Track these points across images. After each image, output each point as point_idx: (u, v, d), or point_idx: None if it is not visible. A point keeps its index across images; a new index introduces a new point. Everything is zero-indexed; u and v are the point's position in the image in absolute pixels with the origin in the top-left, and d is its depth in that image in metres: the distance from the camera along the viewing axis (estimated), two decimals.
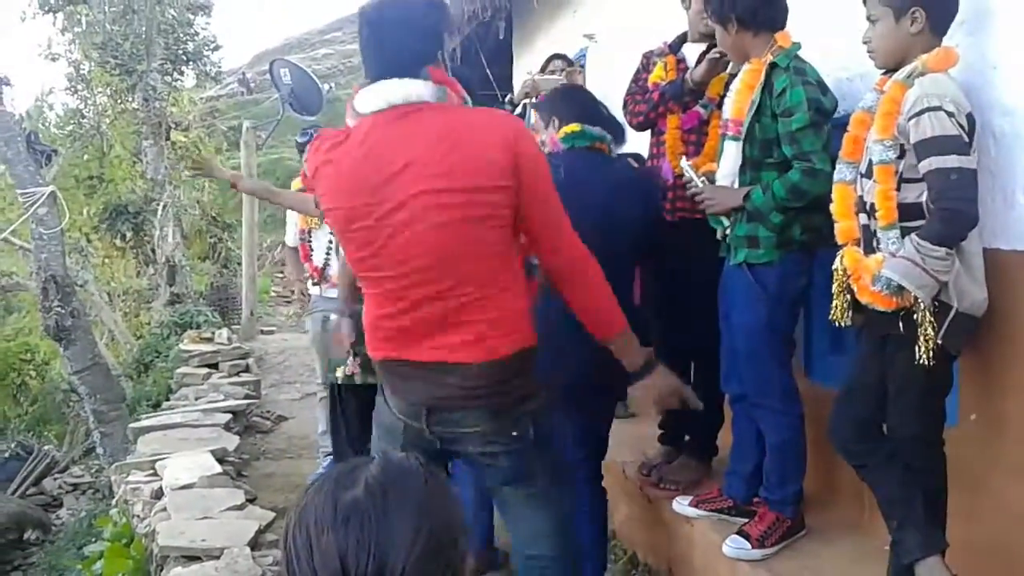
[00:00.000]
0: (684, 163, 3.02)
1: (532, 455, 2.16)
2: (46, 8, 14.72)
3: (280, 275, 14.93)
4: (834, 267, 2.35)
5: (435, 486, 1.13)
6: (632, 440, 3.79)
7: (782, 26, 2.73)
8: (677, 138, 3.32)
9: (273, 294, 14.44)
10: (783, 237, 2.70)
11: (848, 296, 2.30)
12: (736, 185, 2.81)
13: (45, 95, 16.03)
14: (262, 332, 9.74)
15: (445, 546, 1.07)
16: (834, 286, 2.34)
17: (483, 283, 2.02)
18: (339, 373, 3.91)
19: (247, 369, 7.68)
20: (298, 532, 1.05)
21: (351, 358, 3.83)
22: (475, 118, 2.08)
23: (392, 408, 2.21)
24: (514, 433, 2.13)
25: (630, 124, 3.37)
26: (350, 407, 4.03)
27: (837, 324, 2.36)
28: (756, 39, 2.72)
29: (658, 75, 3.43)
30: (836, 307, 2.34)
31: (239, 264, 13.22)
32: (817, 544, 2.82)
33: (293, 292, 4.52)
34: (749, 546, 2.73)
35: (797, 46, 2.71)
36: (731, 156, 2.81)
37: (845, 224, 2.33)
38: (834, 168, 2.53)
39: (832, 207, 2.38)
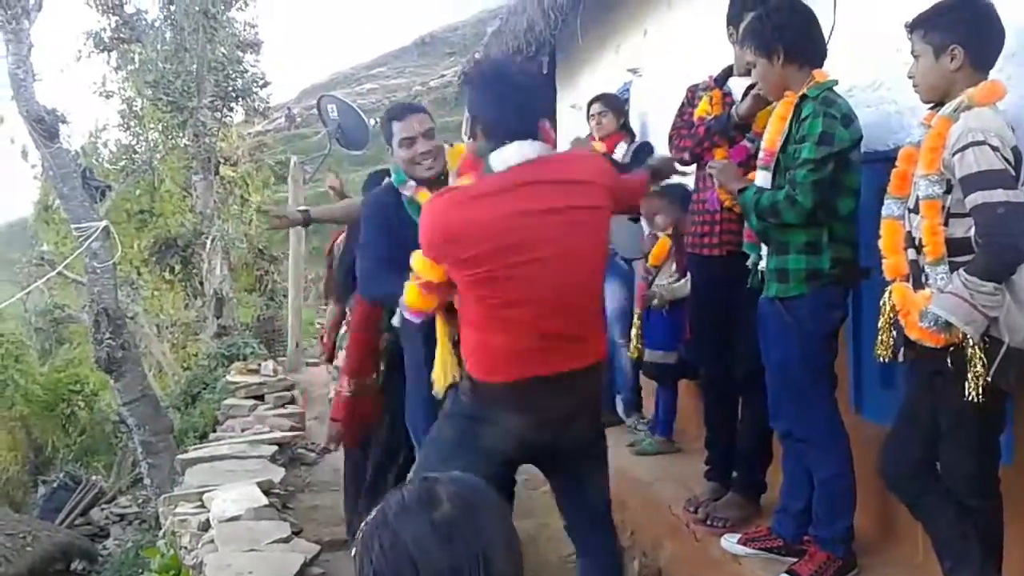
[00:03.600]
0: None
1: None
2: (100, 47, 15.21)
3: (325, 307, 15.05)
4: (882, 303, 2.32)
5: (498, 501, 1.20)
6: (678, 476, 3.75)
7: (820, 64, 2.76)
8: None
9: (318, 326, 14.58)
10: (811, 270, 2.69)
11: (895, 332, 2.28)
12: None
13: (99, 131, 16.45)
14: (307, 364, 9.82)
15: (517, 543, 1.15)
16: (880, 322, 2.32)
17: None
18: None
19: (292, 401, 7.74)
20: (395, 558, 1.09)
21: None
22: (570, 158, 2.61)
23: (511, 428, 2.33)
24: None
25: (675, 159, 3.37)
26: None
27: (882, 360, 2.33)
28: (799, 72, 2.74)
29: (703, 109, 3.43)
30: (881, 343, 2.31)
31: (284, 296, 13.40)
32: None
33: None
34: None
35: (833, 81, 2.73)
36: (763, 185, 2.83)
37: (893, 260, 2.31)
38: (857, 197, 2.64)
39: (880, 243, 2.36)
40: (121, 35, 15.11)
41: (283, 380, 8.13)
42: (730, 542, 3.02)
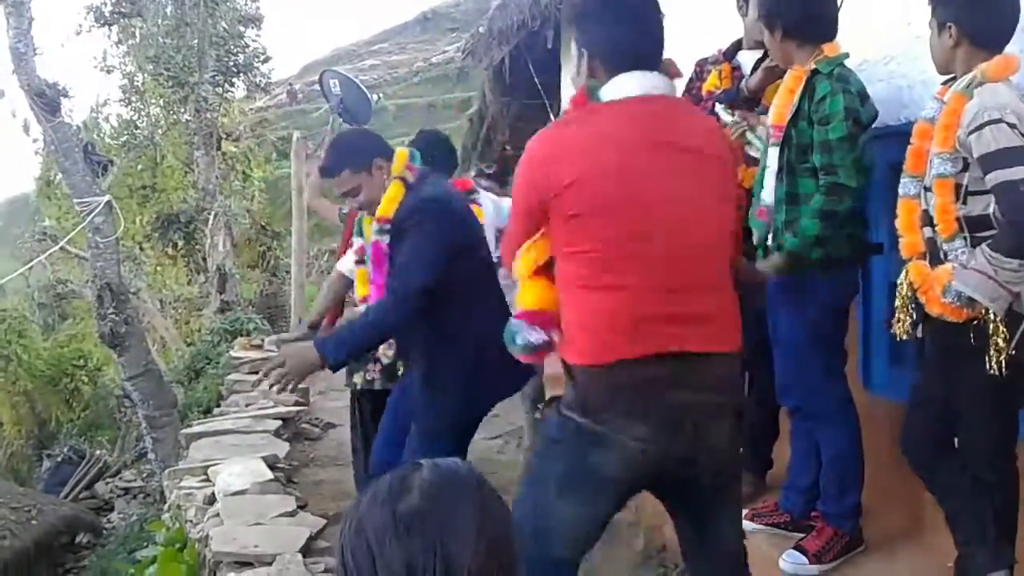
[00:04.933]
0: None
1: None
2: (101, 21, 15.11)
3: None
4: (899, 282, 2.31)
5: (486, 489, 1.13)
6: None
7: (830, 39, 2.70)
8: (733, 145, 3.29)
9: None
10: (825, 249, 2.66)
11: (912, 310, 2.27)
12: (772, 190, 2.80)
13: (100, 106, 16.38)
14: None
15: (503, 544, 1.08)
16: (897, 301, 2.31)
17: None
18: (356, 379, 4.05)
19: None
20: (358, 545, 1.05)
21: (373, 364, 3.97)
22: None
23: (635, 437, 1.88)
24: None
25: None
26: (367, 411, 4.16)
27: (899, 338, 2.32)
28: (800, 50, 2.70)
29: (712, 83, 3.40)
30: (898, 322, 2.30)
31: (287, 272, 13.39)
32: (876, 560, 2.76)
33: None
34: (807, 561, 2.68)
35: (844, 55, 2.68)
36: (773, 162, 2.80)
37: (910, 238, 2.30)
38: (863, 182, 2.57)
39: (897, 221, 2.35)
40: (122, 9, 15.00)
41: None
42: None
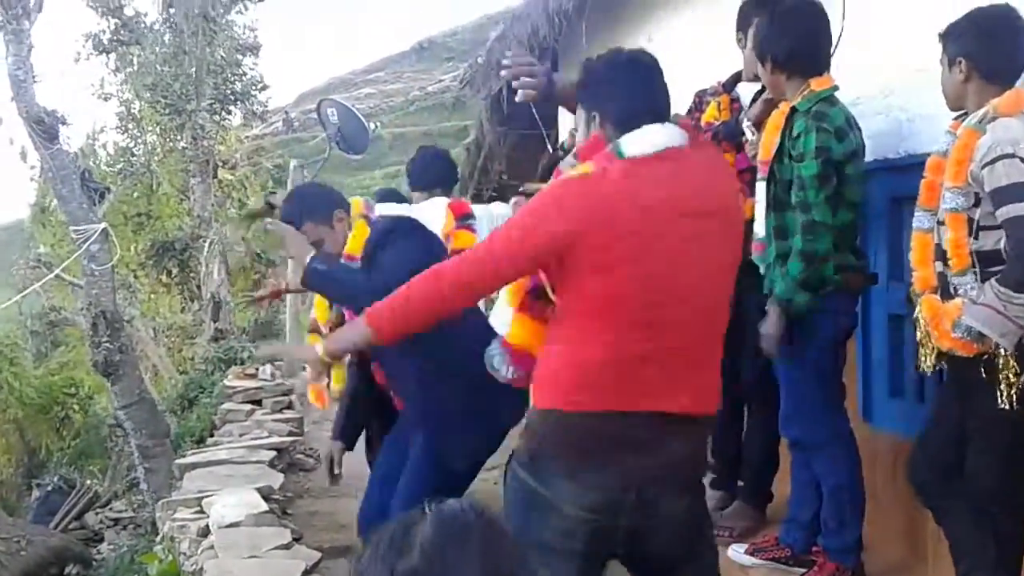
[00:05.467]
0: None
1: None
2: (100, 49, 15.18)
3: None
4: (915, 316, 2.33)
5: (493, 535, 1.08)
6: None
7: (820, 72, 2.70)
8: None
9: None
10: (813, 295, 2.65)
11: (931, 344, 2.28)
12: (763, 227, 2.81)
13: (96, 133, 16.41)
14: (303, 369, 9.79)
15: None
16: (918, 335, 2.33)
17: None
18: None
19: (290, 406, 7.69)
20: None
21: None
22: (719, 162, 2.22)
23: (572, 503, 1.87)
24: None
25: None
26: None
27: (924, 371, 2.33)
28: (789, 82, 2.72)
29: (711, 115, 3.42)
30: (923, 356, 2.31)
31: (281, 301, 13.35)
32: None
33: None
34: None
35: (830, 90, 2.68)
36: (761, 197, 2.81)
37: (922, 272, 2.32)
38: (846, 218, 2.61)
39: (910, 255, 2.37)
40: (120, 37, 15.10)
41: (281, 385, 8.08)
42: (737, 552, 3.00)
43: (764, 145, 2.75)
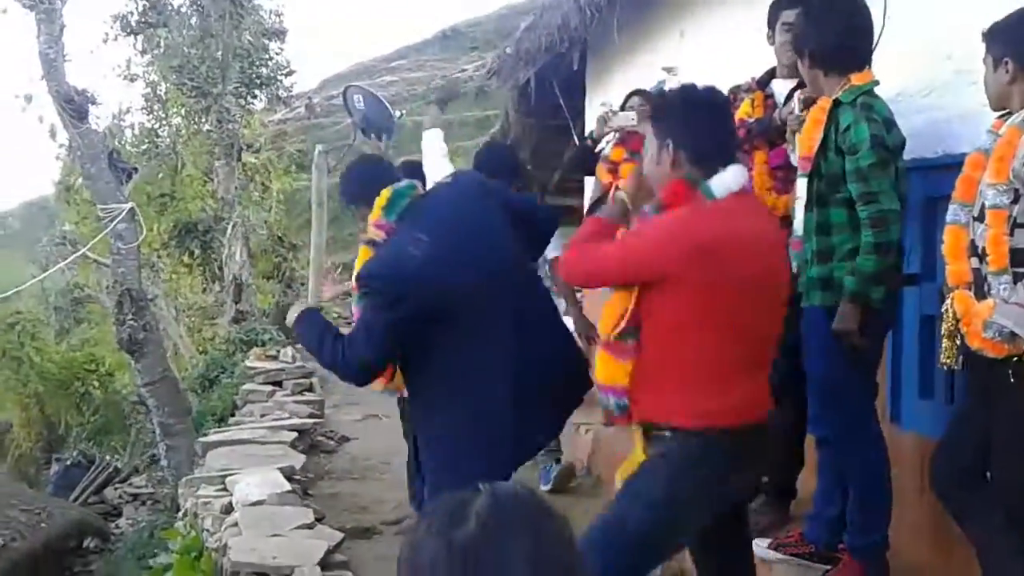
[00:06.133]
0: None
1: None
2: (127, 30, 15.23)
3: (343, 297, 15.09)
4: (944, 309, 2.31)
5: (546, 514, 1.09)
6: None
7: (859, 68, 2.69)
8: (764, 173, 3.30)
9: (335, 315, 14.61)
10: (885, 285, 2.64)
11: (958, 340, 2.26)
12: (803, 221, 2.80)
13: (122, 114, 16.49)
14: None
15: (563, 573, 1.04)
16: (943, 329, 2.30)
17: None
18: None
19: (310, 388, 7.77)
20: (410, 569, 1.03)
21: None
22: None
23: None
24: None
25: None
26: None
27: (946, 368, 2.32)
28: (827, 78, 2.71)
29: (745, 111, 3.41)
30: (945, 351, 2.30)
31: (302, 284, 13.41)
32: None
33: None
34: None
35: (871, 84, 2.68)
36: (802, 193, 2.80)
37: (956, 267, 2.29)
38: (903, 205, 2.57)
39: (943, 248, 2.35)
40: (148, 19, 15.12)
41: (301, 367, 8.17)
42: (761, 547, 2.99)
43: (805, 141, 2.74)
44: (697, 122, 2.30)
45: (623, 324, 2.30)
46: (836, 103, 2.65)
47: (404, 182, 2.85)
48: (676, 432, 2.23)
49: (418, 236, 2.67)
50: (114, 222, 7.49)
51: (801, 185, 2.78)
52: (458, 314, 2.67)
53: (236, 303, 11.76)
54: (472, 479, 2.76)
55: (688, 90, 2.38)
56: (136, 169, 9.24)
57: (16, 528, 8.84)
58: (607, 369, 2.38)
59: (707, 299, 2.19)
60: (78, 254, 9.34)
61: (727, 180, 2.26)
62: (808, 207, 2.75)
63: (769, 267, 2.30)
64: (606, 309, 2.39)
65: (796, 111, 3.02)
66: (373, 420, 6.93)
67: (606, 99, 6.74)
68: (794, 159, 3.00)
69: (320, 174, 10.79)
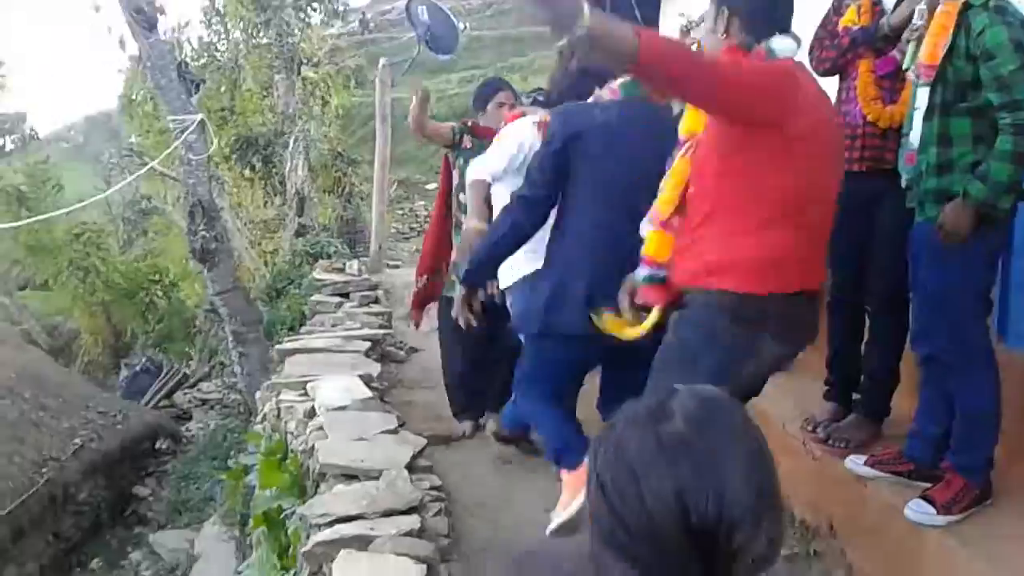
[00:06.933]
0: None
1: None
2: None
3: (400, 211, 15.18)
4: None
5: (743, 412, 1.07)
6: (791, 395, 3.70)
7: None
8: (869, 83, 3.17)
9: (393, 230, 14.70)
10: (1015, 196, 2.54)
11: None
12: (920, 131, 2.68)
13: (182, 28, 16.45)
14: (388, 266, 9.93)
15: (770, 481, 1.01)
16: None
17: None
18: None
19: (376, 300, 7.84)
20: (619, 470, 1.00)
21: None
22: None
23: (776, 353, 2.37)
24: None
25: (815, 70, 3.22)
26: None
27: None
28: None
29: (850, 19, 3.27)
30: None
31: (361, 199, 13.46)
32: (1006, 514, 2.70)
33: None
34: (934, 512, 2.63)
35: None
36: (923, 102, 2.68)
37: None
38: None
39: None
40: None
41: (367, 280, 8.24)
42: (857, 463, 2.97)
43: (930, 47, 2.61)
44: None
45: (680, 200, 2.41)
46: (966, 6, 2.52)
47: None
48: (729, 295, 2.24)
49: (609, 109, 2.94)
50: (185, 133, 7.53)
51: (922, 94, 2.67)
52: (587, 179, 2.91)
53: (299, 216, 11.85)
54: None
55: None
56: (204, 81, 9.24)
57: (94, 429, 9.21)
58: (659, 244, 2.48)
59: (791, 148, 2.20)
60: (148, 166, 9.43)
61: (787, 42, 2.29)
62: (927, 116, 2.65)
63: (835, 133, 2.39)
64: (667, 187, 2.45)
65: (916, 18, 2.88)
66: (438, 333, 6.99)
67: (684, 11, 6.55)
68: (910, 68, 2.87)
69: (384, 88, 10.68)
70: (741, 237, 2.23)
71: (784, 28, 2.31)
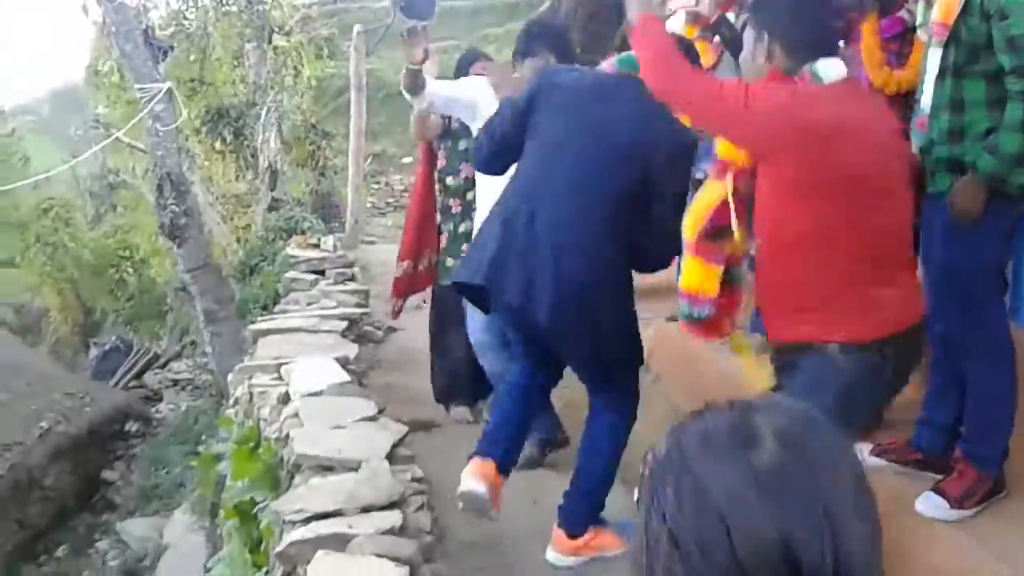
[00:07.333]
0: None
1: None
2: None
3: (376, 185, 14.91)
4: None
5: (834, 426, 0.86)
6: None
7: None
8: (874, 45, 2.99)
9: (369, 205, 14.40)
10: None
11: None
12: (932, 95, 2.52)
13: None
14: (363, 242, 9.71)
15: (869, 498, 0.82)
16: None
17: None
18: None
19: (352, 278, 7.62)
20: (703, 516, 0.78)
21: None
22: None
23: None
24: None
25: None
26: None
27: None
28: None
29: None
30: None
31: (335, 173, 13.16)
32: (1019, 506, 2.57)
33: None
34: (947, 505, 2.49)
35: None
36: (935, 64, 2.51)
37: None
38: None
39: None
40: None
41: (343, 256, 8.01)
42: (861, 453, 2.83)
43: (945, 4, 2.43)
44: (792, 12, 2.32)
45: (709, 222, 2.34)
46: None
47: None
48: (825, 349, 2.25)
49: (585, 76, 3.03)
50: (152, 102, 7.23)
51: (934, 55, 2.49)
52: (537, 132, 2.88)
53: (271, 191, 11.54)
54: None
55: None
56: (172, 47, 8.91)
57: (60, 411, 8.95)
58: (695, 275, 2.40)
59: (824, 199, 2.21)
60: (113, 136, 9.11)
61: (834, 65, 2.27)
62: (939, 78, 2.47)
63: (886, 158, 2.31)
64: (694, 207, 2.40)
65: None
66: (416, 311, 6.80)
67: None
68: (922, 27, 2.70)
69: (359, 56, 10.36)
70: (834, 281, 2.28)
71: (831, 51, 2.30)
